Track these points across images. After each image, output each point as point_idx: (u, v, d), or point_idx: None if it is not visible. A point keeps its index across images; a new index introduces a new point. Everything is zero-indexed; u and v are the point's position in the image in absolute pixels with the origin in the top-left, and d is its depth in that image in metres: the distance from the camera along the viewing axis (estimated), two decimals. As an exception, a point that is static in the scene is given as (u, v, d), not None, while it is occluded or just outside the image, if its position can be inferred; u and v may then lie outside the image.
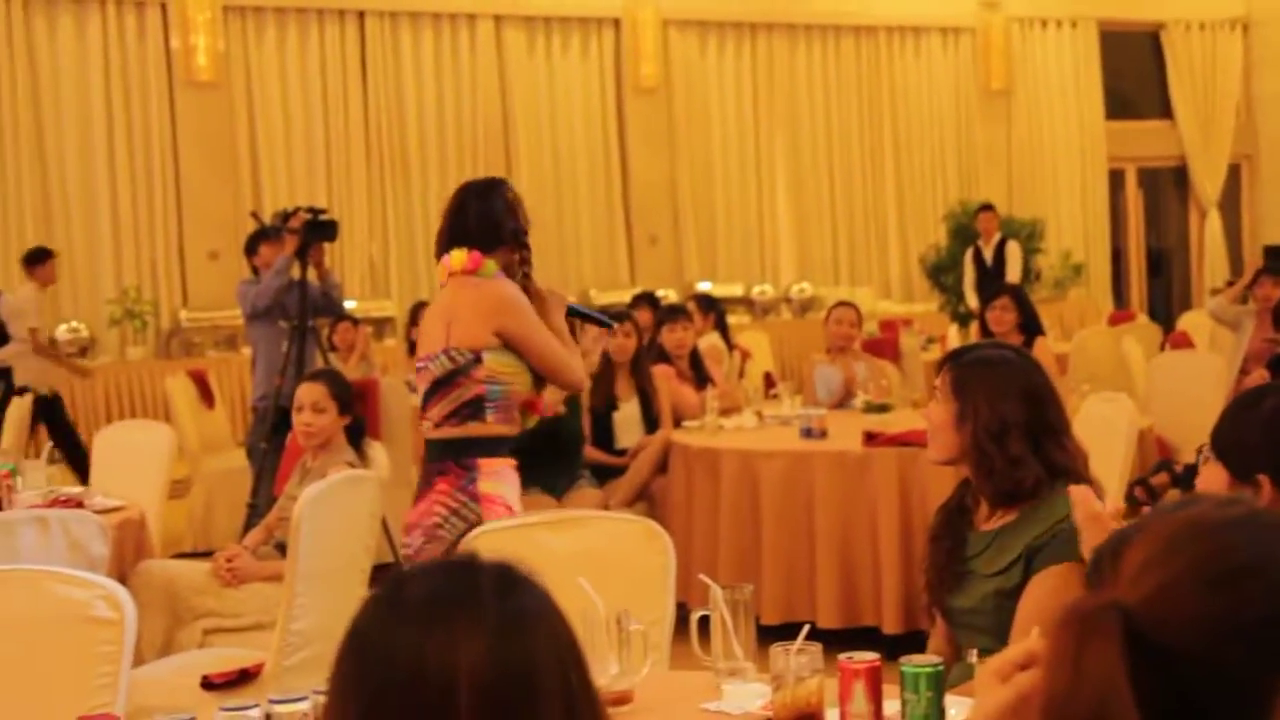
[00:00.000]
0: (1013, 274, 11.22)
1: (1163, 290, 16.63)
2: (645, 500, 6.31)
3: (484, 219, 3.79)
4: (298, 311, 6.81)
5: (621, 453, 6.46)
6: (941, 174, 15.00)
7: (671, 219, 13.84)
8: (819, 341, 7.76)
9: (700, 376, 7.01)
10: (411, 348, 8.57)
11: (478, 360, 3.73)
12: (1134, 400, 5.99)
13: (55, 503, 4.58)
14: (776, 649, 2.30)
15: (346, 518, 4.06)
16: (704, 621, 2.62)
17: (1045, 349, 6.71)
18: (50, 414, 8.86)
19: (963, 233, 12.60)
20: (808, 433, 5.92)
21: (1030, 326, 7.00)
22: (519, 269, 3.86)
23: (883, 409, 6.40)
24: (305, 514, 3.79)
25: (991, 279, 10.85)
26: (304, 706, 2.21)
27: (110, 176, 11.75)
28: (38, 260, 9.23)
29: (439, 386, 3.77)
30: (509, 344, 3.75)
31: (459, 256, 3.77)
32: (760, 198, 14.28)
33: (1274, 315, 7.74)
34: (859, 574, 5.51)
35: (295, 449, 4.95)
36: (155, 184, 11.89)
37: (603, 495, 6.18)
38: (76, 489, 5.03)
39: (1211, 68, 16.00)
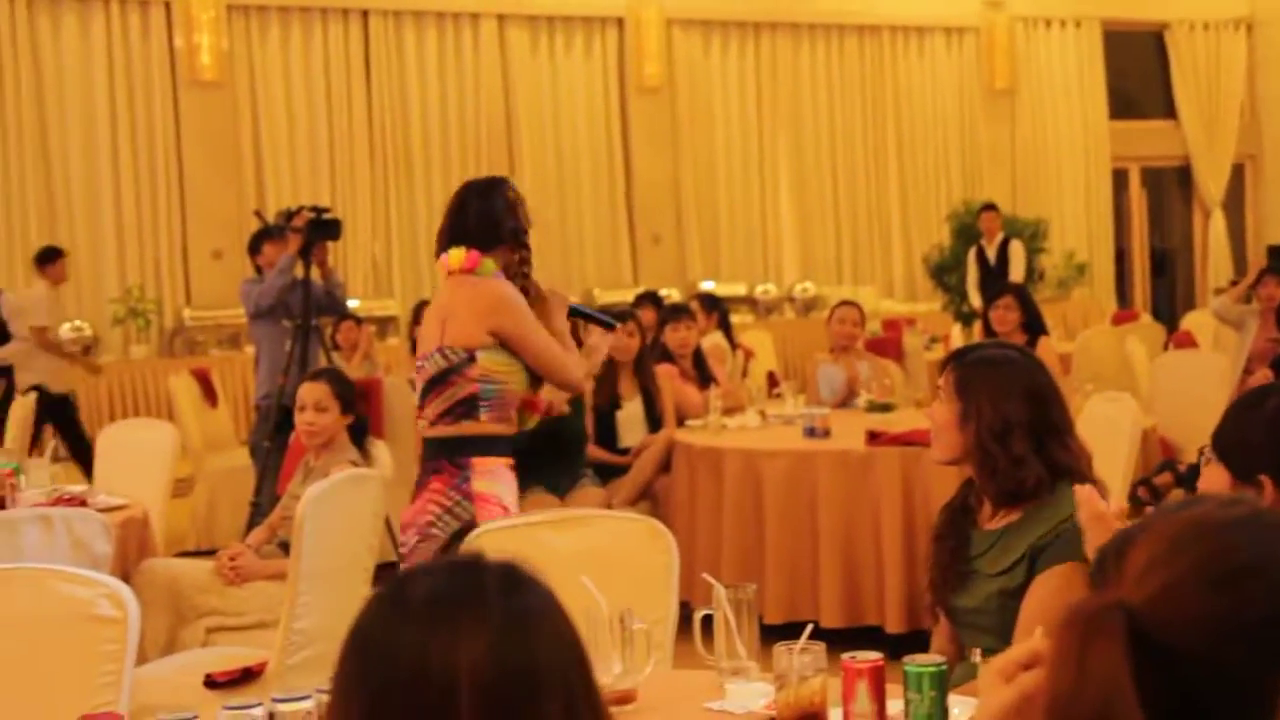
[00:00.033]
0: (1016, 273, 11.21)
1: (1166, 290, 16.62)
2: (648, 499, 6.31)
3: (484, 218, 3.79)
4: (301, 310, 6.81)
5: (625, 452, 6.46)
6: (945, 173, 14.99)
7: (675, 218, 13.85)
8: (822, 341, 7.76)
9: (703, 376, 7.01)
10: (414, 346, 8.55)
11: (471, 359, 3.72)
12: (1137, 400, 5.99)
13: (59, 501, 4.58)
14: (780, 648, 2.30)
15: (350, 517, 4.06)
16: (707, 621, 2.62)
17: (1049, 349, 6.70)
18: (62, 413, 8.89)
19: (966, 232, 12.60)
20: (811, 432, 5.92)
21: (1034, 326, 6.99)
22: (519, 269, 3.84)
23: (886, 408, 6.40)
24: (308, 513, 3.80)
25: (995, 278, 10.84)
26: (307, 705, 2.21)
27: (114, 175, 11.76)
28: (49, 259, 9.25)
29: (433, 385, 3.76)
30: (504, 343, 3.73)
31: (457, 255, 3.77)
32: (763, 197, 14.28)
33: (1278, 315, 7.74)
34: (862, 573, 5.51)
35: (298, 448, 4.95)
36: (159, 183, 11.90)
37: (606, 494, 6.18)
38: (80, 487, 5.04)
39: (1215, 68, 15.99)
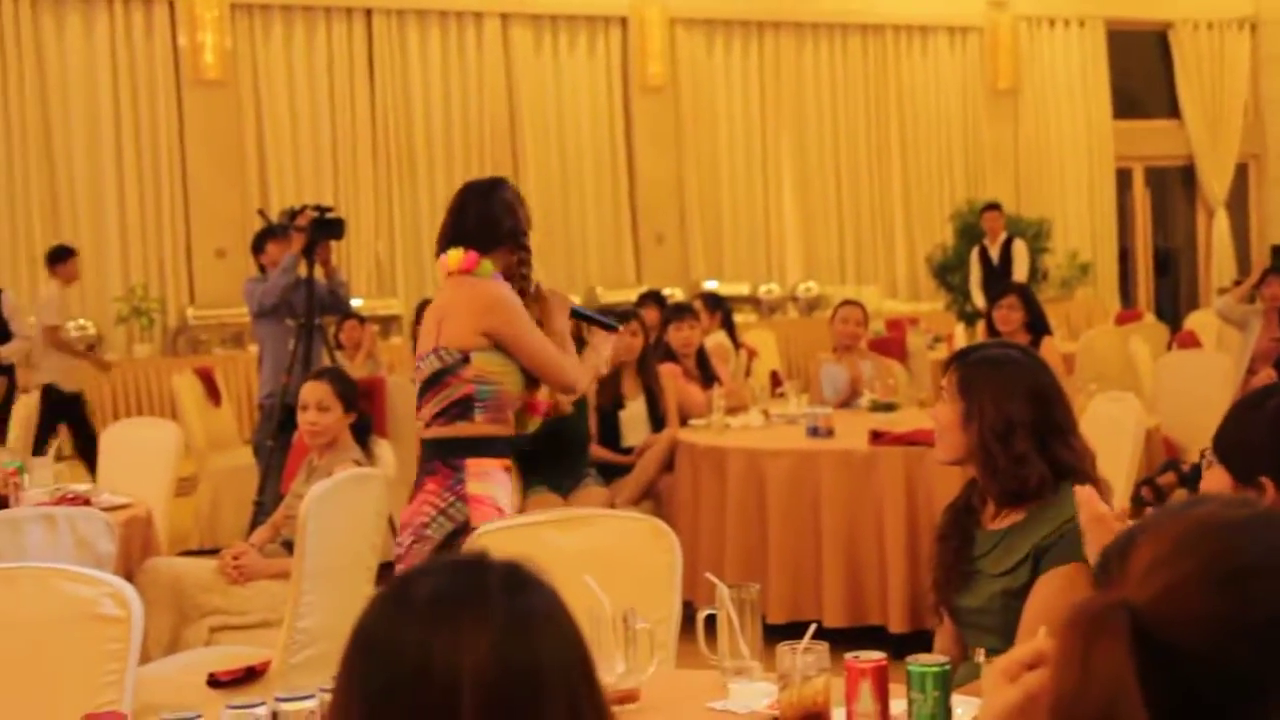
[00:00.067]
0: (1019, 273, 11.21)
1: (1170, 290, 16.61)
2: (651, 499, 6.31)
3: (483, 219, 3.78)
4: (304, 309, 6.82)
5: (628, 451, 6.46)
6: (948, 173, 14.99)
7: (678, 218, 13.84)
8: (825, 340, 7.76)
9: (706, 375, 7.01)
10: (416, 345, 8.57)
11: (466, 360, 3.70)
12: (1141, 400, 5.99)
13: (62, 500, 4.59)
14: (783, 648, 2.30)
15: (353, 516, 4.07)
16: (710, 620, 2.62)
17: (1052, 349, 6.70)
18: (73, 412, 8.92)
19: (969, 232, 12.59)
20: (814, 431, 5.92)
21: (1037, 326, 6.98)
22: (518, 270, 3.82)
23: (889, 408, 6.39)
24: (312, 512, 3.80)
25: (998, 278, 10.83)
26: (310, 704, 2.21)
27: (118, 174, 11.77)
28: (60, 259, 9.27)
29: (429, 386, 3.75)
30: (498, 345, 3.72)
31: (455, 256, 3.76)
32: (767, 196, 14.28)
33: (1281, 315, 7.73)
34: (865, 573, 5.51)
35: (302, 447, 4.95)
36: (163, 182, 11.91)
37: (609, 494, 6.18)
38: (83, 486, 5.04)
39: (1219, 67, 15.98)
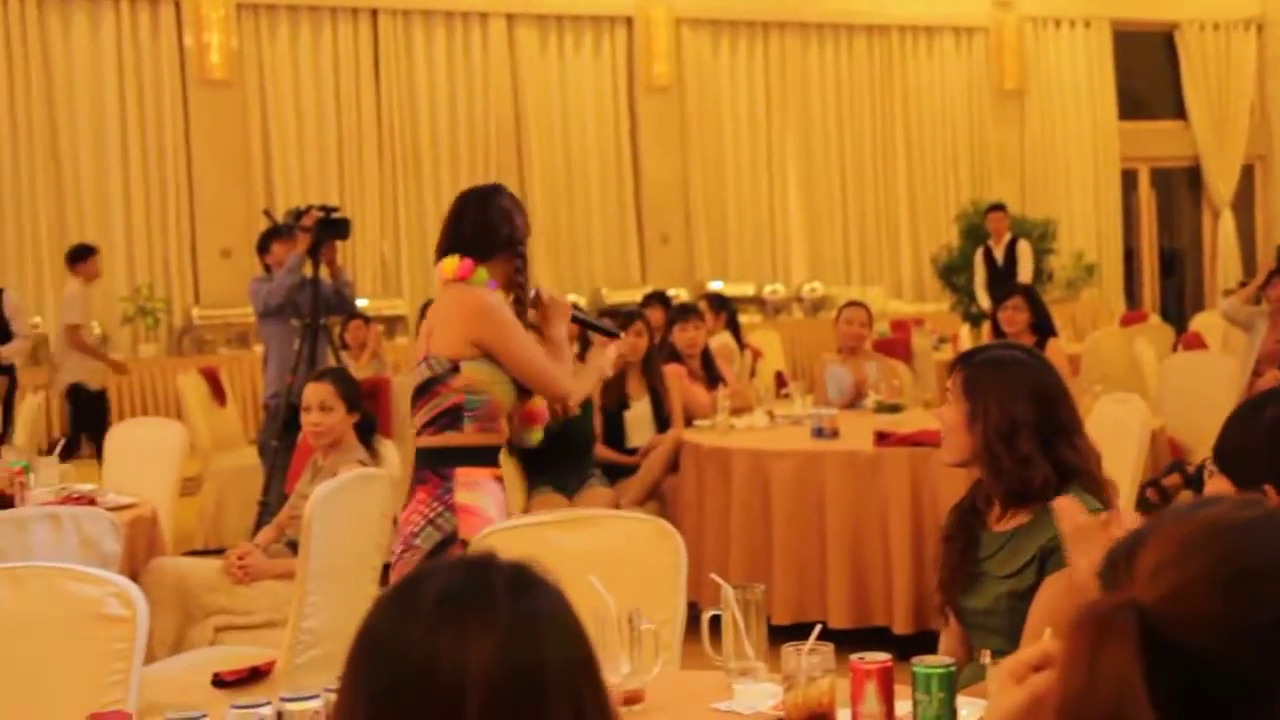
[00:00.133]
0: (1024, 274, 11.20)
1: (1175, 291, 16.60)
2: (656, 499, 6.31)
3: (480, 226, 3.74)
4: (310, 309, 6.82)
5: (633, 452, 6.46)
6: (954, 174, 14.98)
7: (683, 218, 13.84)
8: (830, 341, 7.76)
9: (711, 376, 7.01)
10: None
11: (455, 369, 3.66)
12: (1146, 401, 5.98)
13: (68, 500, 4.59)
14: (788, 649, 2.30)
15: (358, 516, 4.07)
16: (715, 621, 2.62)
17: (1058, 350, 6.69)
18: (94, 411, 8.95)
19: (974, 233, 12.58)
20: (819, 432, 5.91)
21: (1043, 327, 6.97)
22: (514, 277, 3.77)
23: (894, 409, 6.39)
24: (316, 512, 3.80)
25: (1002, 279, 10.82)
26: (315, 704, 2.21)
27: (123, 174, 11.78)
28: (80, 257, 9.30)
29: (419, 394, 3.72)
30: (488, 354, 3.68)
31: (450, 264, 3.73)
32: (772, 197, 14.28)
33: (1287, 316, 7.71)
34: (870, 574, 5.50)
35: (307, 447, 4.95)
36: (168, 182, 11.92)
37: (614, 494, 6.18)
38: (89, 486, 5.04)
39: (1225, 68, 15.97)
